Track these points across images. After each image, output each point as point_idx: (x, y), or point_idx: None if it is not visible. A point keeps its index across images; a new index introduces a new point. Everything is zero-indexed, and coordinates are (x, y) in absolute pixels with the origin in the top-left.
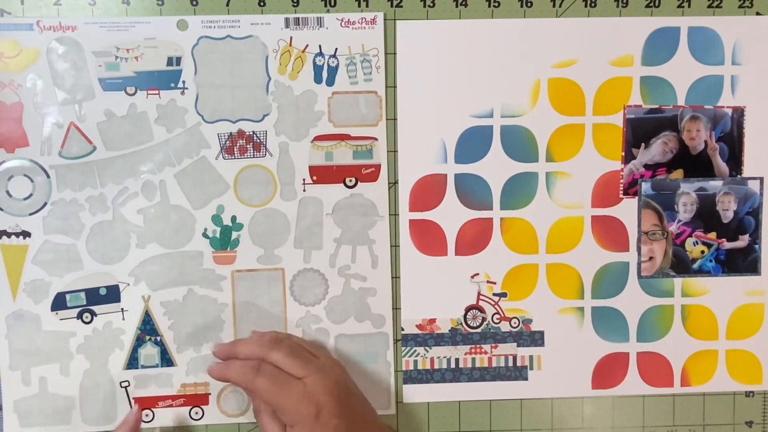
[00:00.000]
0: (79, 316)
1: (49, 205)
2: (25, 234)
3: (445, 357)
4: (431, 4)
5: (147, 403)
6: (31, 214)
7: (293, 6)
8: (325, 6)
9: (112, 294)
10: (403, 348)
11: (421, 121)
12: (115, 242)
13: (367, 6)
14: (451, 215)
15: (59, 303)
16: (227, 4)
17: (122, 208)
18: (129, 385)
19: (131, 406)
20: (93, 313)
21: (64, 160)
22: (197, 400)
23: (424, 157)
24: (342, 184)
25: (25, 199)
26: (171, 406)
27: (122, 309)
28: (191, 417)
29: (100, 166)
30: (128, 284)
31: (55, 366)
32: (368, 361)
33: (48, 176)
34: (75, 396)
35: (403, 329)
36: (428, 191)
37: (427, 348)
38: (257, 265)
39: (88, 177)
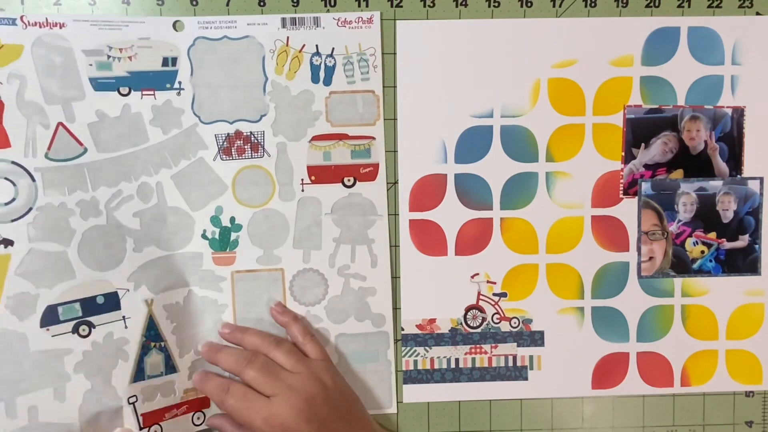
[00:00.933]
0: (75, 330)
1: (34, 210)
2: (7, 242)
3: (445, 357)
4: (431, 4)
5: (154, 418)
6: (13, 221)
7: (293, 6)
8: (325, 6)
9: (111, 302)
10: (403, 348)
11: (421, 121)
12: (110, 248)
13: (366, 6)
14: (451, 215)
15: (50, 317)
16: (227, 4)
17: (116, 212)
18: (137, 400)
19: (140, 425)
20: (91, 325)
21: (52, 163)
22: (199, 404)
23: (424, 157)
24: (340, 184)
25: (7, 204)
26: (176, 416)
27: (123, 317)
28: (193, 423)
29: (92, 168)
30: (128, 290)
31: (48, 391)
32: (369, 360)
33: (33, 179)
34: (74, 423)
35: (403, 329)
36: (428, 191)
37: (427, 348)
38: (257, 265)
39: (79, 180)
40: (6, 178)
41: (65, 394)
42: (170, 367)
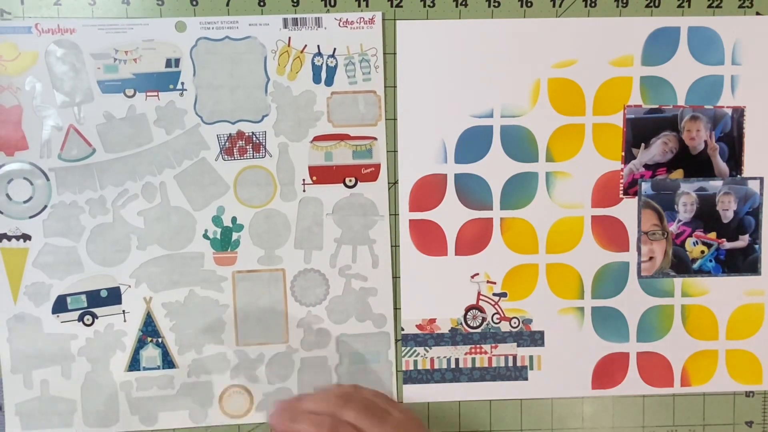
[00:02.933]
0: (80, 319)
1: (48, 207)
2: (26, 237)
3: (445, 357)
4: (431, 4)
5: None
6: (31, 217)
7: (293, 6)
8: (325, 6)
9: (113, 296)
10: (403, 348)
11: (421, 121)
12: (115, 244)
13: (367, 6)
14: (451, 215)
15: (60, 305)
16: (227, 4)
17: (122, 210)
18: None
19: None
20: (94, 316)
21: (64, 163)
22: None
23: (424, 157)
24: (342, 184)
25: (25, 202)
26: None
27: (123, 311)
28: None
29: (100, 168)
30: (129, 286)
31: (57, 368)
32: (369, 360)
33: (48, 179)
34: (76, 399)
35: (403, 329)
36: (428, 191)
37: (427, 348)
38: (258, 265)
39: (88, 179)
40: (25, 178)
41: (71, 372)
42: (168, 363)
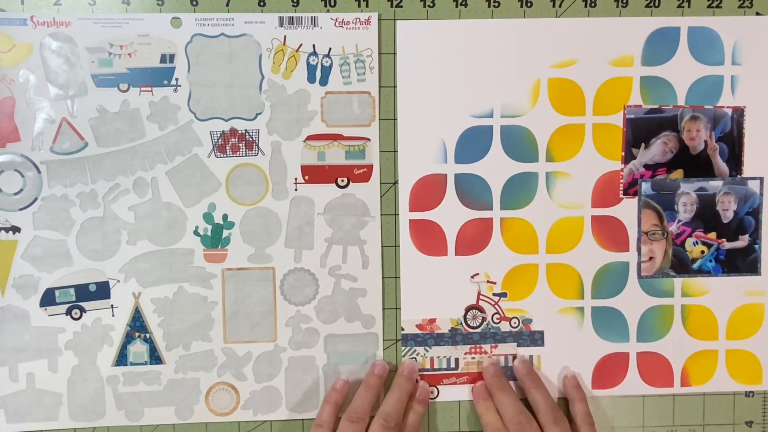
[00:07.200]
0: (68, 312)
1: (39, 200)
2: (15, 229)
3: (445, 357)
4: (431, 4)
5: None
6: (21, 209)
7: (293, 6)
8: (325, 6)
9: (102, 290)
10: (403, 348)
11: (421, 121)
12: (105, 239)
13: (366, 6)
14: (451, 215)
15: (48, 299)
16: (227, 4)
17: (113, 205)
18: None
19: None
20: (82, 310)
21: (56, 156)
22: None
23: (424, 157)
24: (334, 184)
25: (16, 194)
26: (455, 383)
27: (112, 306)
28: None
29: (92, 162)
30: (118, 281)
31: (44, 362)
32: (357, 361)
33: (39, 171)
34: (63, 392)
35: (403, 329)
36: (428, 191)
37: (427, 348)
38: (248, 263)
39: (80, 173)
40: (16, 170)
41: (57, 366)
42: (156, 358)
